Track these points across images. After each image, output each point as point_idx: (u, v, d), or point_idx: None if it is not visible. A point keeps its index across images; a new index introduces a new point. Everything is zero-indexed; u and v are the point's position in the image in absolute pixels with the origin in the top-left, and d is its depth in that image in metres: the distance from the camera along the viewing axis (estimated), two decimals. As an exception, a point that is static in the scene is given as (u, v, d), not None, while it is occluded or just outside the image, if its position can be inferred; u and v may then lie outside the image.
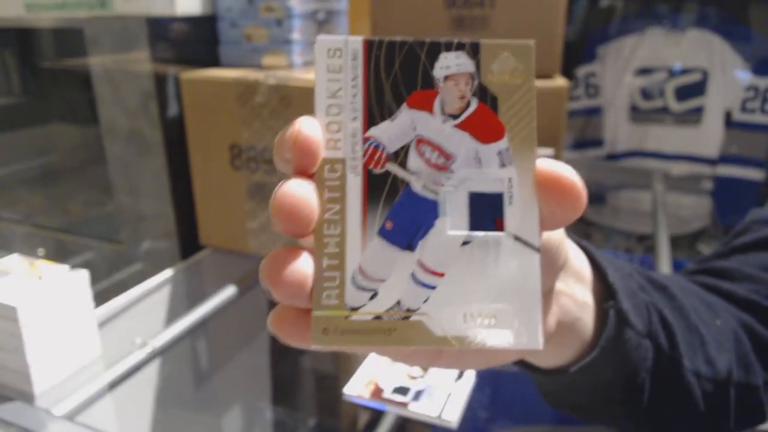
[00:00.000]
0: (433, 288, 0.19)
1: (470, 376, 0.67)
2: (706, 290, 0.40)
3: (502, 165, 0.20)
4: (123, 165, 0.88)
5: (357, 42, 0.20)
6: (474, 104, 0.20)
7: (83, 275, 0.60)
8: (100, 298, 0.67)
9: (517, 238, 0.20)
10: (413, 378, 0.66)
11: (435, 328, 0.19)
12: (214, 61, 0.83)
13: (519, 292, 0.19)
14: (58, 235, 0.98)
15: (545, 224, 0.20)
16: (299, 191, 0.18)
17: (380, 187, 0.19)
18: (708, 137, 1.50)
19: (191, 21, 0.85)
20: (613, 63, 1.55)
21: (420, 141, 0.20)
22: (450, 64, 0.20)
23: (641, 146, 1.57)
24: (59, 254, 0.97)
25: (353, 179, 0.19)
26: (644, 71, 1.52)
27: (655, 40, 1.50)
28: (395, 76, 0.20)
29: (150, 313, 0.77)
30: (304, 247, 0.19)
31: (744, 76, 1.45)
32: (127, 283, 0.76)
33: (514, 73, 0.20)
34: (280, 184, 0.19)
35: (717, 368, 0.35)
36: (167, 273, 0.80)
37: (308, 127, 0.19)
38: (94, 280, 0.62)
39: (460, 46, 0.20)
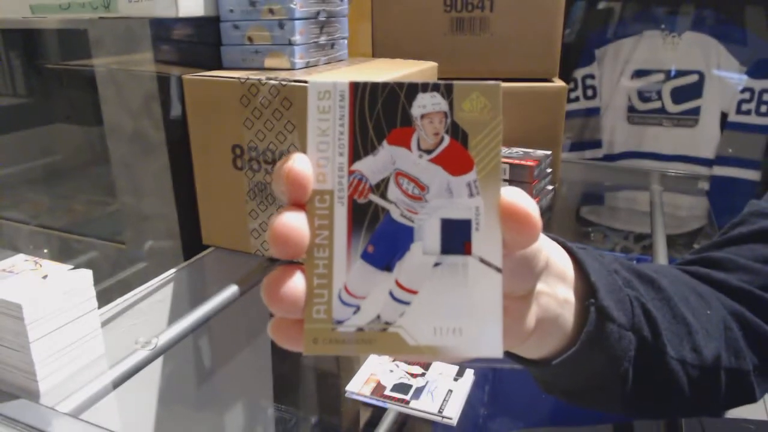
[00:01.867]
0: (408, 304, 0.22)
1: (469, 375, 0.68)
2: (699, 280, 0.41)
3: (471, 195, 0.22)
4: (126, 165, 0.88)
5: (344, 85, 0.22)
6: (446, 140, 0.22)
7: (87, 275, 0.60)
8: (104, 297, 0.68)
9: (482, 260, 0.22)
10: (414, 376, 0.67)
11: (409, 339, 0.22)
12: (217, 63, 0.84)
13: (483, 308, 0.22)
14: (62, 235, 0.98)
15: (507, 248, 0.22)
16: (292, 222, 0.21)
17: (363, 215, 0.22)
18: (704, 138, 1.51)
19: (194, 23, 0.85)
20: (610, 65, 1.56)
21: (398, 174, 0.22)
22: (426, 103, 0.22)
23: (638, 147, 1.58)
24: (63, 254, 0.97)
25: (340, 208, 0.22)
26: (641, 73, 1.53)
27: (652, 42, 1.51)
28: (377, 115, 0.22)
29: (153, 312, 0.78)
30: (298, 266, 0.22)
31: (739, 78, 1.46)
32: (130, 283, 0.77)
33: (483, 111, 0.22)
34: (275, 214, 0.21)
35: (704, 356, 0.37)
36: (170, 272, 0.80)
37: (299, 164, 0.21)
38: (98, 279, 0.62)
39: (435, 88, 0.22)
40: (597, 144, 1.61)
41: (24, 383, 0.57)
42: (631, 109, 1.56)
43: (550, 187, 0.97)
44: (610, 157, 1.60)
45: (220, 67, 0.84)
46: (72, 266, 0.61)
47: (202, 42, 0.85)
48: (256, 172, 0.78)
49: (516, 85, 0.94)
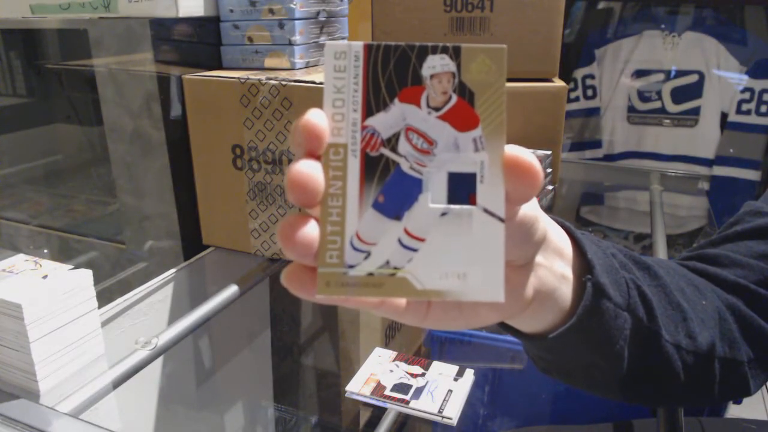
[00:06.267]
0: (416, 251, 0.23)
1: (469, 375, 0.68)
2: (695, 274, 0.42)
3: (476, 150, 0.23)
4: (126, 165, 0.89)
5: (358, 46, 0.23)
6: (454, 99, 0.23)
7: (87, 275, 0.60)
8: (104, 297, 0.68)
9: (486, 210, 0.23)
10: (414, 376, 0.67)
11: (416, 283, 0.23)
12: (217, 63, 0.84)
13: (485, 255, 0.23)
14: (62, 235, 0.98)
15: (510, 199, 0.24)
16: (308, 169, 0.22)
17: (375, 168, 0.23)
18: (704, 138, 1.52)
19: (194, 23, 0.85)
20: (610, 65, 1.56)
21: (408, 129, 0.23)
22: (435, 64, 0.23)
23: (638, 147, 1.58)
24: (63, 254, 0.97)
25: (353, 161, 0.23)
26: (641, 73, 1.54)
27: (652, 42, 1.51)
28: (390, 74, 0.23)
29: (153, 312, 0.78)
30: (312, 215, 0.23)
31: (739, 78, 1.46)
32: (130, 283, 0.77)
33: (489, 72, 0.23)
34: (292, 163, 0.22)
35: (698, 342, 0.37)
36: (170, 272, 0.80)
37: (315, 117, 0.22)
38: (98, 279, 0.63)
39: (444, 50, 0.23)
40: (597, 144, 1.61)
41: (24, 383, 0.57)
42: (631, 109, 1.57)
43: (550, 187, 0.97)
44: (610, 157, 1.60)
45: (220, 67, 0.84)
46: (72, 266, 0.61)
47: (202, 42, 0.85)
48: (256, 172, 0.78)
49: (516, 85, 0.94)
